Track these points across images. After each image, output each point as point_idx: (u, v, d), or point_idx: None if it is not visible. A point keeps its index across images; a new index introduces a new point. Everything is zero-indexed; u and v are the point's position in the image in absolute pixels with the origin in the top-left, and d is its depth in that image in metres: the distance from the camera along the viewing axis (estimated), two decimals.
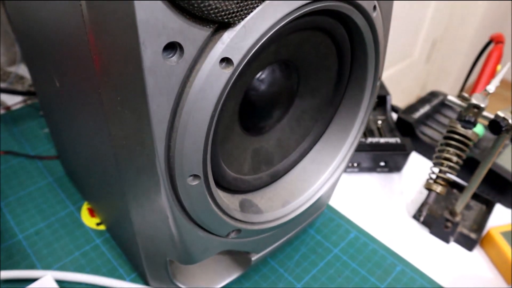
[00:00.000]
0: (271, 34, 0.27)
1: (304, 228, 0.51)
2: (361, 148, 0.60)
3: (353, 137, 0.42)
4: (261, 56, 0.30)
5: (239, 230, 0.36)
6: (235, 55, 0.25)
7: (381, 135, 0.64)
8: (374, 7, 0.33)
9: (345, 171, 0.60)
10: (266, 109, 0.36)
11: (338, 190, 0.60)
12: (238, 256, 0.45)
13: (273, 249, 0.46)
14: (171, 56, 0.24)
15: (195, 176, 0.29)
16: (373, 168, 0.63)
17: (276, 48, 0.31)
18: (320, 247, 0.52)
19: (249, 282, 0.47)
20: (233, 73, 0.26)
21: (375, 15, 0.34)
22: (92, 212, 0.54)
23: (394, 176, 0.64)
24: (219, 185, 0.35)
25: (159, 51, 0.23)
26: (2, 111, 0.69)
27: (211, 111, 0.26)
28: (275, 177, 0.41)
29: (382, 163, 0.62)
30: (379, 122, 0.67)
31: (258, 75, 0.33)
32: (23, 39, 0.42)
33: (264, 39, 0.26)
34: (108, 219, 0.49)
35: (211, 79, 0.25)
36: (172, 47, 0.23)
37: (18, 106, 0.70)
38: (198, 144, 0.27)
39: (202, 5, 0.22)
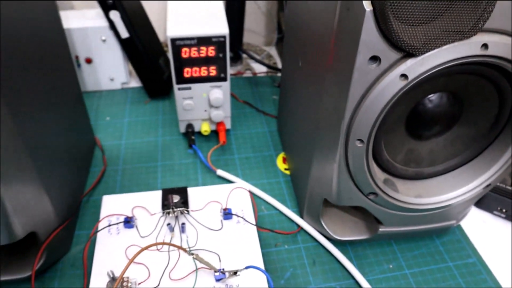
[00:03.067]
0: (441, 69, 0.41)
1: (431, 233, 0.62)
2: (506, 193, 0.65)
3: (495, 169, 0.52)
4: (432, 81, 0.44)
5: (376, 194, 0.51)
6: (411, 73, 0.40)
7: None
8: None
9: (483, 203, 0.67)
10: (428, 123, 0.50)
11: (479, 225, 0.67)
12: (370, 224, 0.60)
13: (398, 232, 0.59)
14: (372, 64, 0.40)
15: (361, 141, 0.45)
16: None
17: (445, 80, 0.45)
18: (438, 255, 0.62)
19: (371, 249, 0.61)
20: (405, 85, 0.41)
21: None
22: (284, 160, 0.75)
23: None
24: (375, 159, 0.50)
25: (366, 59, 0.40)
26: (251, 75, 0.96)
27: (383, 105, 0.42)
28: (418, 176, 0.54)
29: None
30: None
31: (429, 96, 0.47)
32: (286, 31, 0.64)
33: (434, 70, 0.41)
34: (293, 168, 0.70)
35: (390, 85, 0.41)
36: (375, 59, 0.40)
37: (261, 75, 0.97)
38: (369, 122, 0.44)
39: (400, 39, 0.38)
